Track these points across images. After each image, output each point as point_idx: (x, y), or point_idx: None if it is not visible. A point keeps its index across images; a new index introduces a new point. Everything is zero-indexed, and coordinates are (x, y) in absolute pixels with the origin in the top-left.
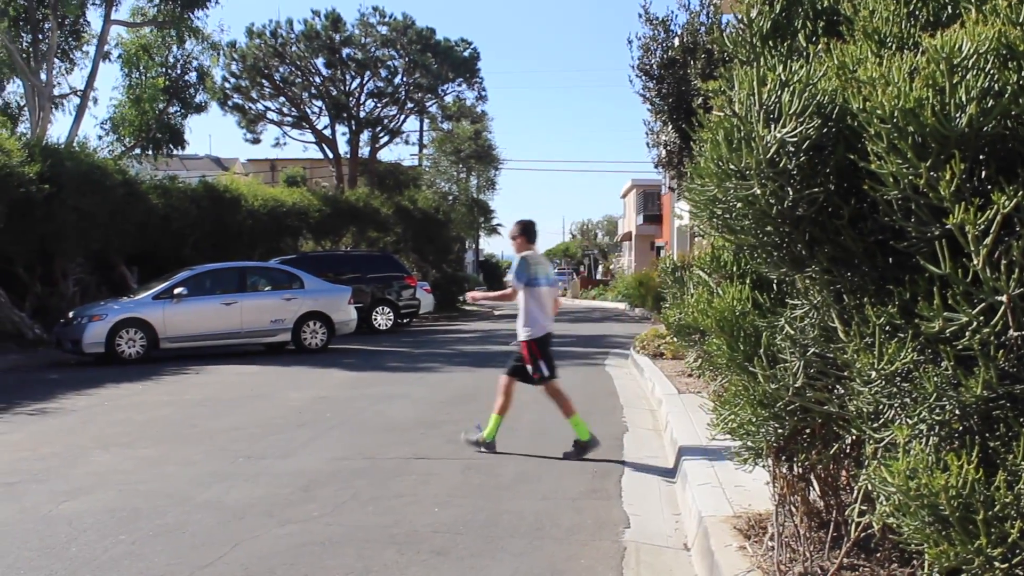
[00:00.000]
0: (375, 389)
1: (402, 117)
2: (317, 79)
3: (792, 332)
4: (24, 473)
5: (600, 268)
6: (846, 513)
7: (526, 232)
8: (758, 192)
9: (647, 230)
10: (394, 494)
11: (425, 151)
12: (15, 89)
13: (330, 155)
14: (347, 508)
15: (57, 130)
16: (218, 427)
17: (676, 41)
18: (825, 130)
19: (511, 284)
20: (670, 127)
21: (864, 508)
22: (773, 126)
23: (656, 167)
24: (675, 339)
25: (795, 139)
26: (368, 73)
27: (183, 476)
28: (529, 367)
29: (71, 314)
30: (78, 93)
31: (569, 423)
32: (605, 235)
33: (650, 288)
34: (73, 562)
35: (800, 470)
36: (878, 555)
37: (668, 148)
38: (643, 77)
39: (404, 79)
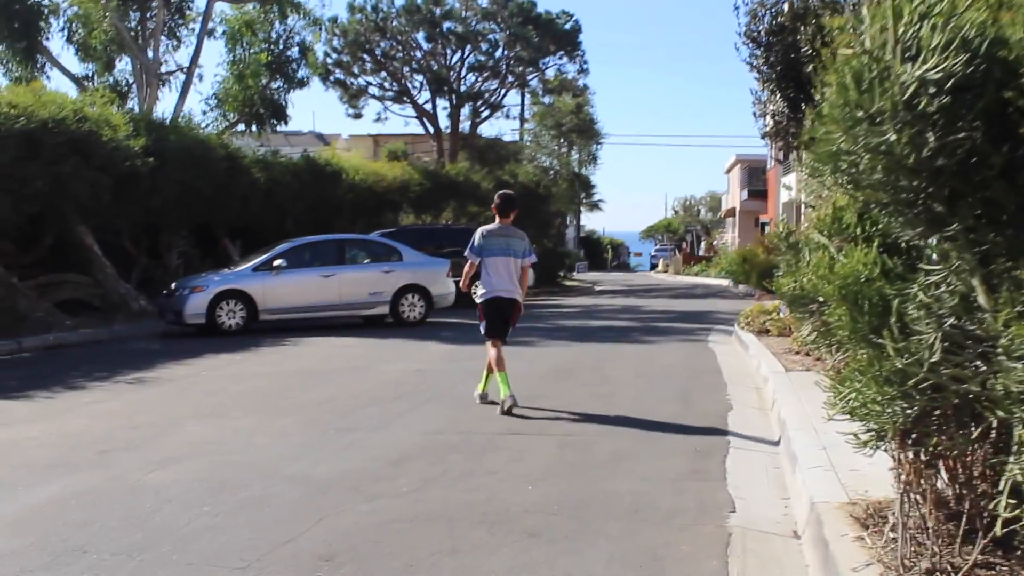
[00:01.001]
0: (471, 363)
1: (503, 91)
2: (418, 53)
3: (927, 300)
4: (118, 440)
5: (703, 244)
6: (983, 505)
7: (499, 205)
8: (892, 139)
9: (751, 206)
10: (486, 470)
11: (526, 126)
12: (124, 67)
13: (431, 130)
14: (437, 484)
15: (163, 106)
16: (312, 399)
17: (785, 6)
18: (972, 67)
19: (466, 256)
20: (778, 96)
21: (1012, 502)
22: (911, 64)
23: (763, 139)
24: (789, 310)
25: (938, 77)
26: (468, 47)
27: (273, 448)
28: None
29: (173, 286)
30: (184, 70)
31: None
32: (708, 211)
33: (755, 264)
34: (155, 533)
35: (928, 456)
36: (1020, 553)
37: (776, 118)
38: (750, 44)
39: (505, 52)
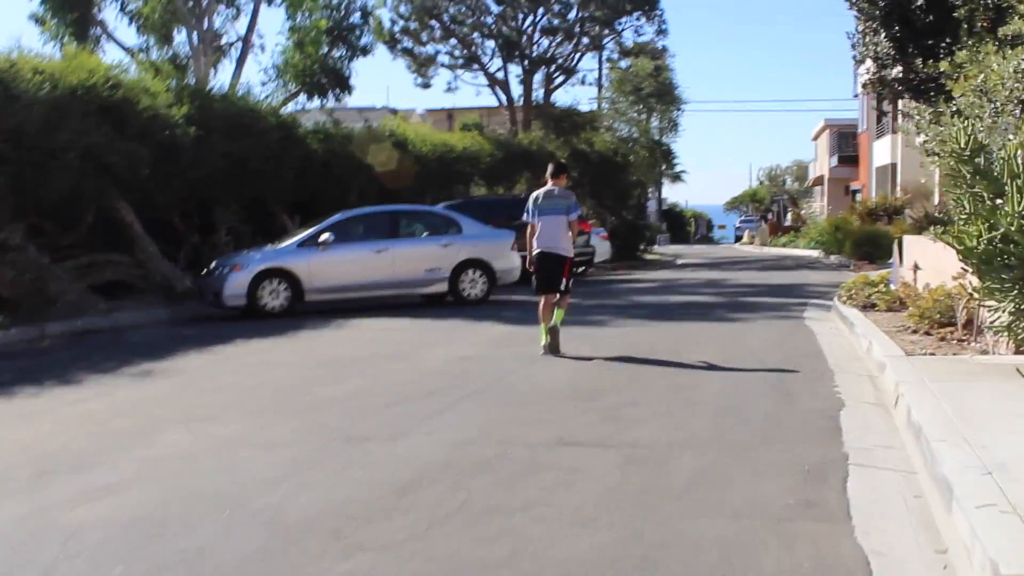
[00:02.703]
0: (530, 347)
1: (577, 55)
2: (488, 19)
3: None
4: (70, 456)
5: (789, 215)
6: None
7: (551, 171)
8: None
9: (841, 173)
10: (520, 503)
11: (603, 93)
12: (183, 39)
13: (503, 98)
14: (448, 526)
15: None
16: (332, 395)
17: None
18: None
19: (525, 221)
20: (883, 35)
21: None
22: None
23: (862, 89)
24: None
25: None
26: (541, 9)
27: (254, 466)
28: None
29: (213, 264)
30: (241, 40)
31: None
32: (795, 181)
33: (848, 233)
34: None
35: None
36: None
37: (881, 61)
38: None
39: (579, 14)
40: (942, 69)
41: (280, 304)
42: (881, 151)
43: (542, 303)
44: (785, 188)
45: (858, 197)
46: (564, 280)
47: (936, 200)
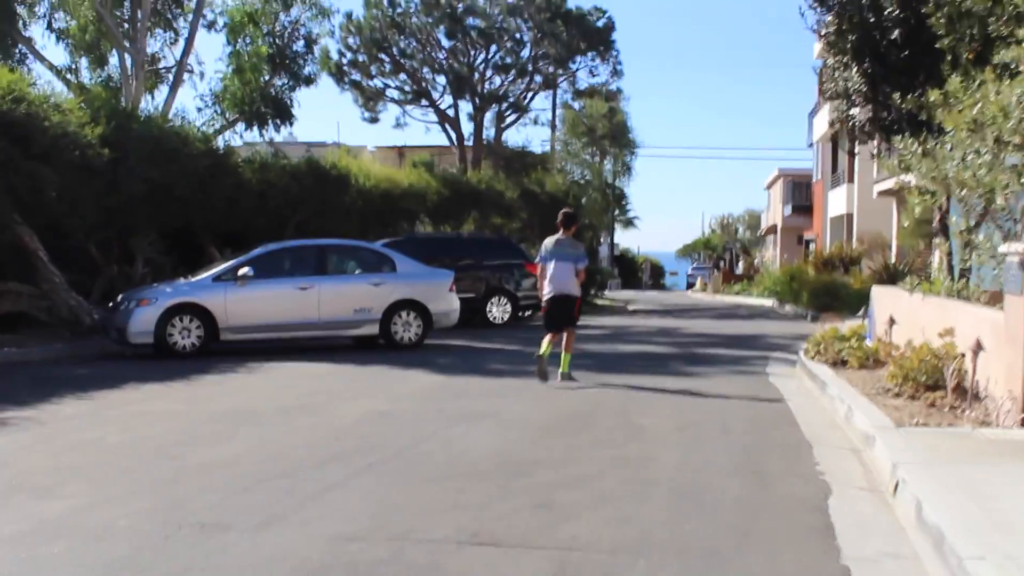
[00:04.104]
0: (458, 403)
1: (530, 94)
2: (439, 54)
3: None
4: None
5: (741, 263)
6: None
7: (561, 221)
8: None
9: (795, 222)
10: None
11: (556, 133)
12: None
13: (452, 135)
14: None
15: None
16: (208, 460)
17: None
18: None
19: (537, 263)
20: (854, 70)
21: None
22: None
23: (831, 124)
24: None
25: None
26: (493, 45)
27: (57, 570)
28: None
29: (119, 297)
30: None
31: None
32: (747, 229)
33: (804, 283)
34: None
35: None
36: None
37: (851, 99)
38: (817, 8)
39: (532, 51)
40: (932, 99)
41: (192, 343)
42: (836, 201)
43: (548, 338)
44: (737, 236)
45: (812, 247)
46: (573, 316)
47: (894, 250)
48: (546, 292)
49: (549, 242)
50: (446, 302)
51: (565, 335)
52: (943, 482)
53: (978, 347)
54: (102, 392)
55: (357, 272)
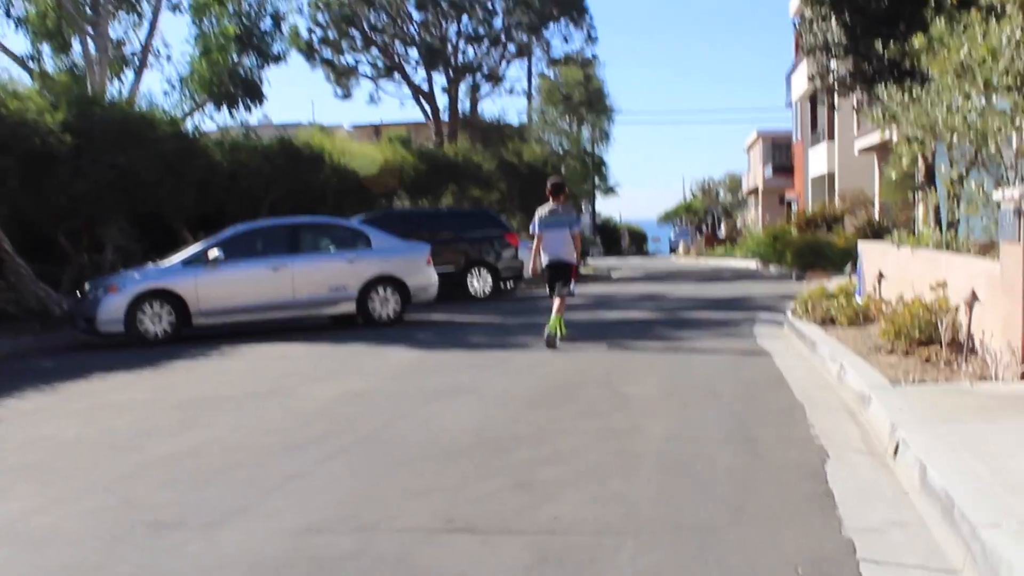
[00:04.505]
0: (437, 379)
1: (504, 63)
2: (410, 26)
3: None
4: None
5: (723, 226)
6: None
7: (550, 190)
8: None
9: (776, 183)
10: None
11: (532, 103)
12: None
13: (428, 110)
14: None
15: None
16: (168, 452)
17: None
18: None
19: (531, 233)
20: (833, 22)
21: None
22: None
23: (811, 79)
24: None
25: None
26: (465, 16)
27: None
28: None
29: (87, 286)
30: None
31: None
32: (728, 193)
33: (788, 243)
34: None
35: None
36: None
37: (831, 51)
38: None
39: (504, 20)
40: (916, 45)
41: (163, 330)
42: (817, 160)
43: (556, 302)
44: (719, 200)
45: (794, 207)
46: (571, 281)
47: (877, 207)
48: (544, 260)
49: (543, 211)
50: (424, 276)
51: (557, 300)
52: (947, 442)
53: (973, 299)
54: (66, 384)
55: (331, 250)
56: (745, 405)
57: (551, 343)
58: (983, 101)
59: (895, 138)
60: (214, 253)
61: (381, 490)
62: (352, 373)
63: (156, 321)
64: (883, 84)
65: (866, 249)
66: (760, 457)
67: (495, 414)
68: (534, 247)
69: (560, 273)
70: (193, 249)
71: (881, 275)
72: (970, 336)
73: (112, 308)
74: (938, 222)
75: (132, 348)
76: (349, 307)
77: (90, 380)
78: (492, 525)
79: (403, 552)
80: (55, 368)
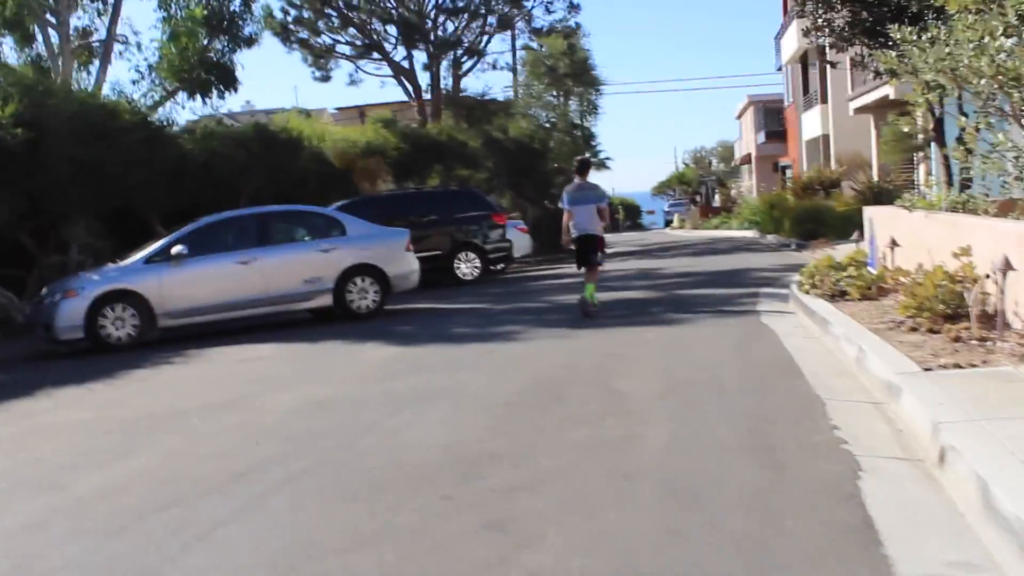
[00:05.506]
0: (411, 380)
1: (485, 37)
2: (388, 2)
3: None
4: None
5: (717, 196)
6: None
7: (577, 168)
8: None
9: (769, 149)
10: None
11: (517, 78)
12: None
13: (410, 89)
14: None
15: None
16: (90, 489)
17: None
18: None
19: (561, 208)
20: None
21: None
22: None
23: (806, 33)
24: None
25: None
26: None
27: None
28: None
29: (43, 291)
30: (116, 37)
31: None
32: (720, 162)
33: (786, 210)
34: None
35: None
36: None
37: (828, 2)
38: None
39: None
40: None
41: (127, 334)
42: (811, 123)
43: (589, 272)
44: (712, 170)
45: (788, 173)
46: (599, 253)
47: (875, 169)
48: (573, 233)
49: (570, 188)
50: (404, 263)
51: (588, 269)
52: (1006, 448)
53: (1007, 267)
54: (10, 403)
55: (304, 239)
56: (756, 400)
57: (588, 312)
58: (1009, 40)
59: (911, 88)
60: (177, 248)
61: (325, 536)
62: (320, 377)
63: (119, 325)
64: (896, 25)
65: (875, 214)
66: (779, 472)
67: (471, 423)
68: (564, 221)
69: (589, 245)
70: (155, 246)
71: (894, 242)
72: (1003, 309)
73: (70, 314)
74: (948, 181)
75: (95, 356)
76: (325, 300)
77: (35, 397)
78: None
79: None
80: (5, 383)
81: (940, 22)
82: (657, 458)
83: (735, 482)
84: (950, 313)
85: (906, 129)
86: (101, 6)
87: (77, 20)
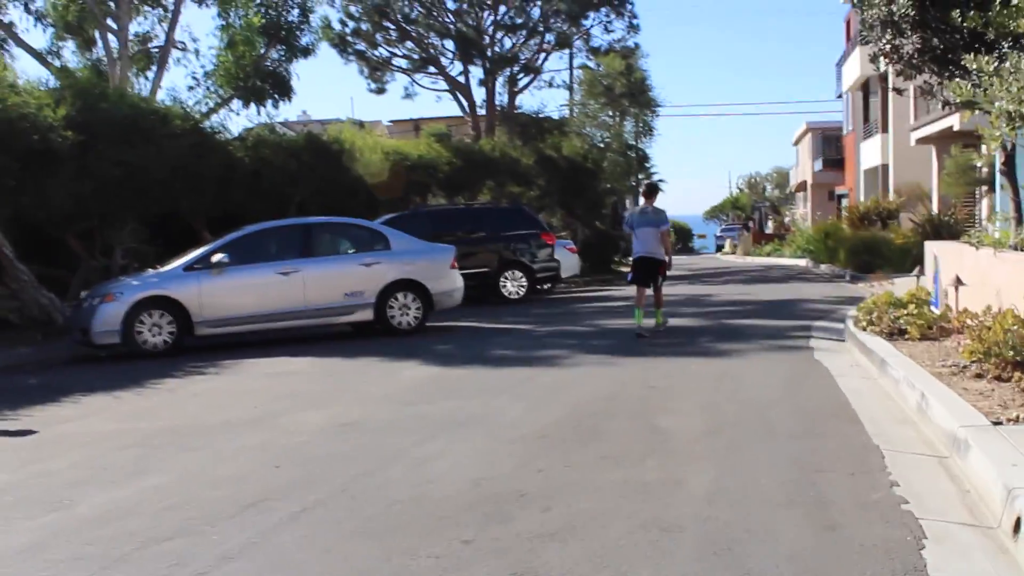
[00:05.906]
0: (445, 404)
1: (543, 55)
2: (446, 17)
3: None
4: None
5: (770, 222)
6: None
7: (644, 192)
8: None
9: (825, 177)
10: None
11: (573, 96)
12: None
13: (464, 103)
14: None
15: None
16: (97, 509)
17: None
18: None
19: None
20: None
21: None
22: None
23: (873, 59)
24: None
25: None
26: (502, 5)
27: None
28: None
29: (83, 294)
30: (174, 43)
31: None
32: (775, 188)
33: (841, 240)
34: None
35: None
36: None
37: (897, 26)
38: None
39: (542, 9)
40: (1014, 3)
41: (164, 340)
42: (870, 152)
43: (638, 293)
44: (766, 195)
45: (844, 202)
46: (660, 277)
47: (935, 201)
48: (635, 253)
49: (636, 211)
50: (448, 281)
51: (655, 293)
52: None
53: None
54: (34, 409)
55: (348, 252)
56: (807, 446)
57: (644, 334)
58: None
59: (983, 119)
60: (218, 257)
61: None
62: (350, 396)
63: (156, 332)
64: (972, 55)
65: (939, 250)
66: (834, 533)
67: (502, 457)
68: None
69: (650, 266)
70: (196, 253)
71: (959, 281)
72: None
73: (107, 318)
74: (1019, 218)
75: (129, 362)
76: (366, 315)
77: (61, 404)
78: None
79: None
80: (35, 387)
81: (1019, 51)
82: (697, 508)
83: (784, 542)
84: (1020, 360)
85: (978, 164)
86: (161, 13)
87: (137, 26)
